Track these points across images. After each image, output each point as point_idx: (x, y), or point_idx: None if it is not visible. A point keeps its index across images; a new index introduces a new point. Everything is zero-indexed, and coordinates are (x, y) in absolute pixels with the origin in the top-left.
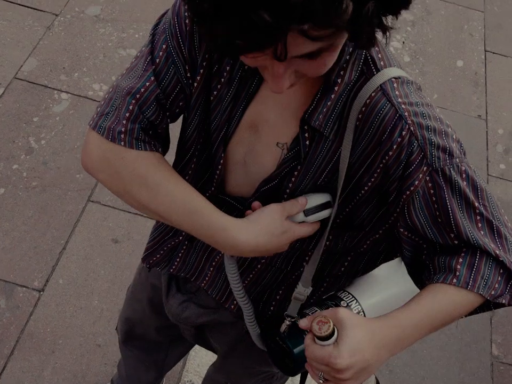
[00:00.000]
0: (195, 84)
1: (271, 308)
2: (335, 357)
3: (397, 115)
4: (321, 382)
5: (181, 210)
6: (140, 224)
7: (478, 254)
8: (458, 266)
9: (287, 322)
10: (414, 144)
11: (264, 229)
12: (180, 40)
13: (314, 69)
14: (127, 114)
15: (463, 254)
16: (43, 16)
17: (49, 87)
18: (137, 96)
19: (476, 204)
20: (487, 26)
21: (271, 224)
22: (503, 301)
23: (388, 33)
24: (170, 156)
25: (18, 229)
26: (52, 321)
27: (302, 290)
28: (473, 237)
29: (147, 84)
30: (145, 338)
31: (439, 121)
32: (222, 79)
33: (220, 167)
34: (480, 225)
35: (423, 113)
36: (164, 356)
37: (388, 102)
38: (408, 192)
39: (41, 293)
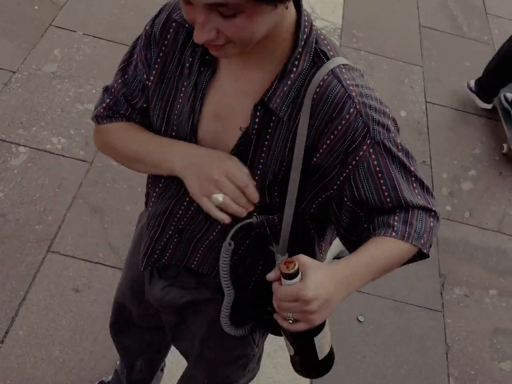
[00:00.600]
0: (151, 79)
1: (254, 279)
2: (303, 289)
3: (346, 94)
4: (291, 322)
5: (147, 161)
6: (101, 273)
7: (410, 212)
8: (395, 223)
9: None
10: (359, 120)
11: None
12: (143, 47)
13: (234, 31)
14: (104, 105)
15: (397, 213)
16: (0, 73)
17: (7, 141)
18: (111, 92)
19: (411, 168)
20: (426, 79)
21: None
22: (424, 250)
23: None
24: None
25: None
26: (11, 373)
27: (281, 259)
28: (411, 198)
29: (117, 84)
30: (130, 322)
31: (378, 102)
32: (184, 80)
33: None
34: (415, 185)
35: (366, 94)
36: (150, 340)
37: (338, 83)
38: (353, 163)
39: (1, 344)
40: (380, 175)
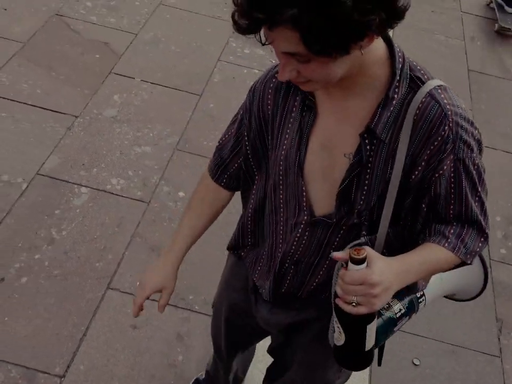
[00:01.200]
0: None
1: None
2: (370, 273)
3: (443, 113)
4: (354, 305)
5: None
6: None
7: (465, 228)
8: (450, 235)
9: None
10: (450, 137)
11: None
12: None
13: (309, 73)
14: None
15: (454, 225)
16: (64, 118)
17: (69, 182)
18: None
19: (479, 189)
20: (476, 122)
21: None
22: (468, 262)
23: (348, 54)
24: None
25: (41, 317)
26: None
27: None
28: (470, 214)
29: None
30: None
31: (470, 123)
32: (288, 124)
33: (304, 193)
34: (476, 204)
35: (460, 114)
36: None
37: (436, 104)
38: (437, 175)
39: (62, 379)
40: (452, 188)
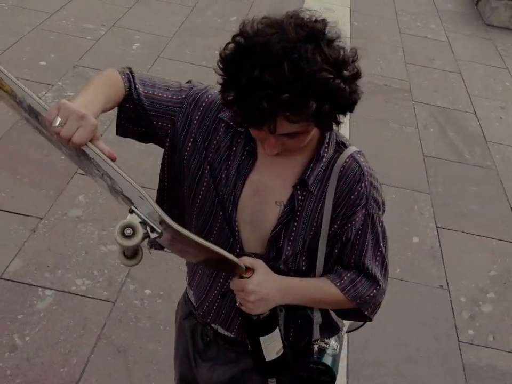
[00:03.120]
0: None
1: (290, 336)
2: (246, 283)
3: (362, 172)
4: (238, 304)
5: None
6: None
7: (360, 277)
8: (345, 278)
9: (316, 347)
10: (364, 194)
11: None
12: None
13: (293, 144)
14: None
15: (351, 272)
16: (28, 220)
17: (33, 285)
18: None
19: (381, 245)
20: (435, 205)
21: None
22: (365, 312)
23: (339, 125)
24: None
25: None
26: None
27: (317, 315)
28: (369, 266)
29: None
30: None
31: (379, 185)
32: (227, 160)
33: (236, 229)
34: (377, 258)
35: (374, 176)
36: None
37: (357, 164)
38: (349, 224)
39: None
40: (358, 238)
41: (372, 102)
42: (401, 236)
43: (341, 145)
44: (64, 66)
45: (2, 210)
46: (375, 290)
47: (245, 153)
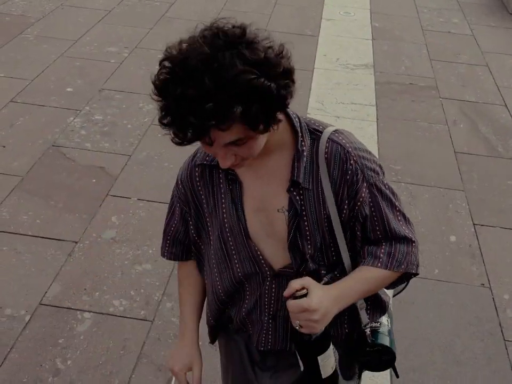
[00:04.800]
0: (206, 213)
1: (345, 330)
2: (309, 302)
3: (345, 151)
4: (297, 328)
5: None
6: None
7: (393, 244)
8: (381, 255)
9: (368, 331)
10: (358, 168)
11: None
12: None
13: (246, 152)
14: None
15: (383, 245)
16: (64, 245)
17: (72, 309)
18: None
19: (396, 203)
20: (470, 202)
21: None
22: (412, 271)
23: (278, 123)
24: None
25: None
26: None
27: (360, 301)
28: (396, 229)
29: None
30: None
31: (368, 153)
32: (221, 200)
33: (258, 253)
34: (399, 217)
35: (359, 148)
36: None
37: (338, 145)
38: (359, 203)
39: None
40: (373, 211)
41: (399, 102)
42: (438, 236)
43: (315, 132)
44: (90, 91)
45: (38, 236)
46: (412, 248)
47: (229, 182)
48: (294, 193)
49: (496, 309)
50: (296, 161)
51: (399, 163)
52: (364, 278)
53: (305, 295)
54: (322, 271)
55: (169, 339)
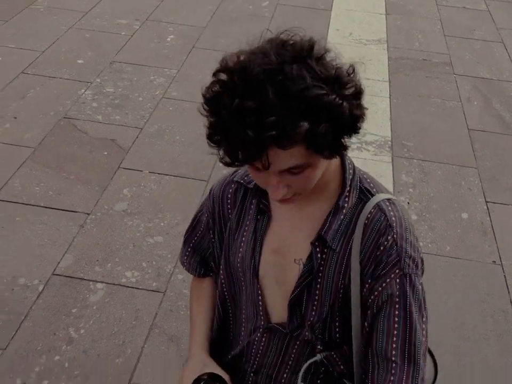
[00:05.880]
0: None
1: None
2: None
3: (388, 223)
4: None
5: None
6: None
7: (406, 373)
8: None
9: None
10: (394, 249)
11: None
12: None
13: (301, 183)
14: (186, 253)
15: (394, 373)
16: (76, 216)
17: (85, 279)
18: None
19: (424, 313)
20: (483, 179)
21: None
22: None
23: (345, 150)
24: None
25: None
26: None
27: None
28: (418, 345)
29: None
30: None
31: (415, 239)
32: (244, 227)
33: (259, 297)
34: (424, 332)
35: (406, 228)
36: None
37: (382, 215)
38: (380, 289)
39: None
40: (397, 308)
41: (412, 78)
42: (450, 213)
43: (366, 193)
44: (101, 63)
45: (51, 208)
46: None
47: (259, 211)
48: (317, 249)
49: (507, 286)
50: (331, 216)
51: (412, 140)
52: None
53: None
54: (318, 346)
55: (181, 310)
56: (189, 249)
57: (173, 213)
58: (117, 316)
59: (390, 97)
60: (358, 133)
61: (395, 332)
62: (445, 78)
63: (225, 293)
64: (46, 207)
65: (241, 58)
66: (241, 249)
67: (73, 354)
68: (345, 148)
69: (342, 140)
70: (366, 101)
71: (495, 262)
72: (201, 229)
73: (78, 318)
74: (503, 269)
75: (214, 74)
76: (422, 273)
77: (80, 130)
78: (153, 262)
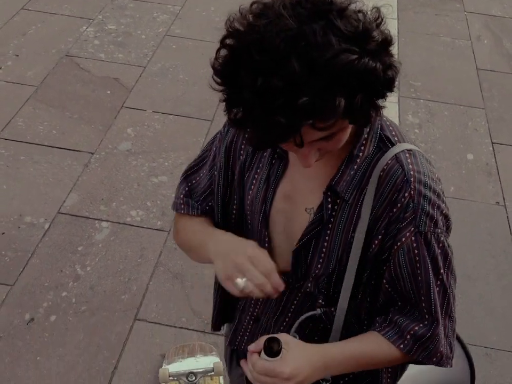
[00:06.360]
0: (235, 180)
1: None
2: (283, 367)
3: (405, 179)
4: None
5: (196, 250)
6: (186, 337)
7: (432, 328)
8: (408, 337)
9: None
10: (410, 206)
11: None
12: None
13: (332, 146)
14: (183, 193)
15: (421, 325)
16: (80, 156)
17: (90, 218)
18: (189, 184)
19: (441, 270)
20: (490, 120)
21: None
22: (444, 366)
23: (381, 111)
24: None
25: (71, 353)
26: None
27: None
28: (434, 304)
29: (199, 177)
30: None
31: (436, 195)
32: (256, 169)
33: (266, 245)
34: (438, 289)
35: (425, 183)
36: None
37: (399, 168)
38: (395, 247)
39: None
40: (411, 265)
41: (421, 15)
42: (455, 154)
43: (386, 142)
44: None
45: (55, 147)
46: (429, 333)
47: (276, 156)
48: (329, 199)
49: (510, 227)
50: (344, 165)
51: (419, 79)
52: (368, 354)
53: (278, 353)
54: (320, 301)
55: None
56: (187, 189)
57: (177, 152)
58: (122, 254)
59: (398, 35)
60: (392, 91)
61: (409, 287)
62: (455, 15)
63: None
64: (50, 146)
65: (251, 20)
66: (251, 192)
67: (80, 290)
68: (379, 109)
69: (377, 102)
70: None
71: (498, 203)
72: (206, 169)
73: (84, 255)
74: (506, 210)
75: (222, 41)
76: (447, 230)
77: (82, 68)
78: (158, 201)
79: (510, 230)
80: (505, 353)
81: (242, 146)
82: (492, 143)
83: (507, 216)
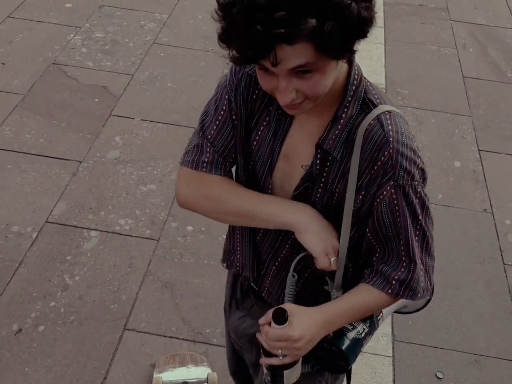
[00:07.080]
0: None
1: None
2: (292, 331)
3: (384, 139)
4: (281, 358)
5: (249, 215)
6: (176, 346)
7: (411, 270)
8: (394, 282)
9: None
10: (389, 163)
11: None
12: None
13: (310, 87)
14: (206, 156)
15: (402, 270)
16: (68, 164)
17: (78, 227)
18: (209, 136)
19: (421, 218)
20: (476, 128)
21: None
22: (427, 297)
23: (352, 54)
24: None
25: (60, 364)
26: None
27: (338, 294)
28: (414, 247)
29: (214, 128)
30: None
31: (412, 152)
32: (262, 125)
33: (270, 192)
34: (417, 233)
35: (403, 142)
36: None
37: (380, 128)
38: (378, 200)
39: None
40: (392, 215)
41: (407, 24)
42: (442, 161)
43: (368, 103)
44: (89, 7)
45: (42, 155)
46: (410, 275)
47: (281, 112)
48: (318, 155)
49: (497, 233)
50: (329, 125)
51: (406, 87)
52: (363, 304)
53: (285, 320)
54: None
55: (175, 258)
56: (209, 144)
57: (166, 161)
58: (111, 263)
59: (385, 44)
60: (366, 36)
61: (391, 235)
62: (440, 24)
63: None
64: (37, 155)
65: None
66: (257, 145)
67: (68, 300)
68: (352, 51)
69: (350, 44)
70: (360, 47)
71: (486, 210)
72: (220, 119)
73: (72, 265)
74: (493, 216)
75: None
76: (424, 181)
77: (70, 76)
78: (147, 210)
79: (498, 236)
80: (494, 359)
81: (254, 97)
82: (479, 150)
83: (494, 223)
